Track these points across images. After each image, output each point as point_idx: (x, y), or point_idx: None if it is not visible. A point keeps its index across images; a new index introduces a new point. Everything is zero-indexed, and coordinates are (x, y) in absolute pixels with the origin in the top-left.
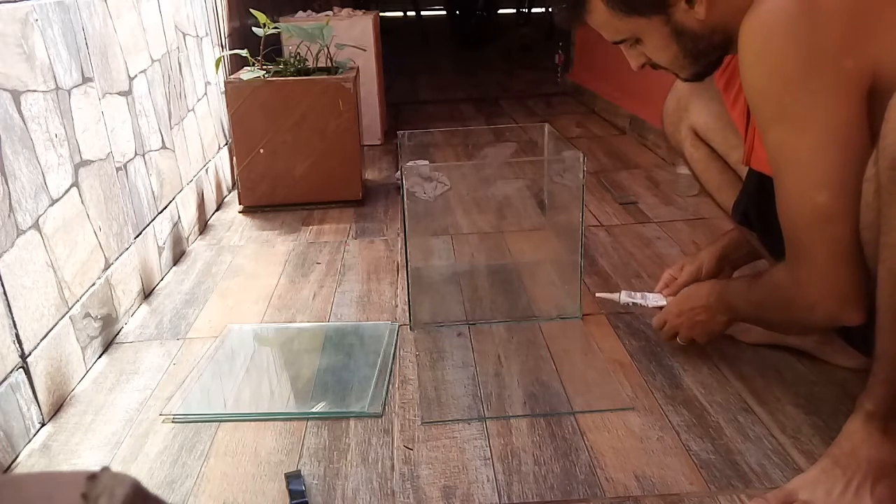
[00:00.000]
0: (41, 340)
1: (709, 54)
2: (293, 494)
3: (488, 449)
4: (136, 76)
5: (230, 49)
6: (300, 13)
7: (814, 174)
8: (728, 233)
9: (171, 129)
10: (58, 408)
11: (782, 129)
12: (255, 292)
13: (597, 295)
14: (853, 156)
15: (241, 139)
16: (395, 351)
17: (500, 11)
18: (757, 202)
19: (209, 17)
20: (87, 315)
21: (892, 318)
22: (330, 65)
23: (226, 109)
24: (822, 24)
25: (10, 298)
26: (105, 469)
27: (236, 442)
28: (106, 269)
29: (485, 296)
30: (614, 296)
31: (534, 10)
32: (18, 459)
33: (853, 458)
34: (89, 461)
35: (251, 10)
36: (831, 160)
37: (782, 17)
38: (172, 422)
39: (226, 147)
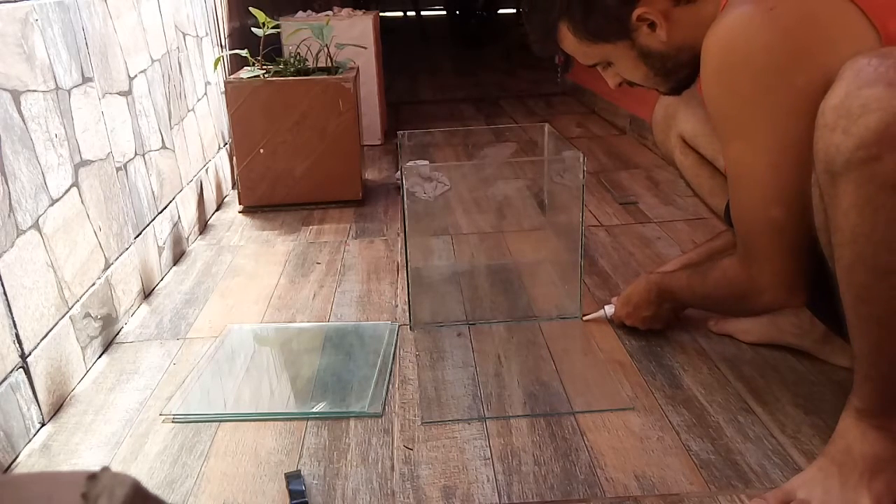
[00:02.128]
0: (41, 340)
1: (678, 72)
2: (293, 494)
3: (488, 449)
4: (136, 76)
5: (230, 49)
6: (300, 13)
7: (769, 190)
8: (705, 242)
9: (171, 129)
10: (58, 408)
11: (739, 146)
12: (255, 292)
13: (584, 318)
14: (807, 170)
15: (241, 139)
16: (395, 351)
17: (500, 11)
18: None
19: (209, 17)
20: (87, 315)
21: (856, 315)
22: (330, 65)
23: (226, 109)
24: (776, 43)
25: (10, 298)
26: (105, 469)
27: (236, 442)
28: (106, 269)
29: (485, 296)
30: (599, 313)
31: None
32: (18, 459)
33: (848, 456)
34: (89, 461)
35: (250, 8)
36: (785, 177)
37: (738, 37)
38: (172, 422)
39: (226, 147)
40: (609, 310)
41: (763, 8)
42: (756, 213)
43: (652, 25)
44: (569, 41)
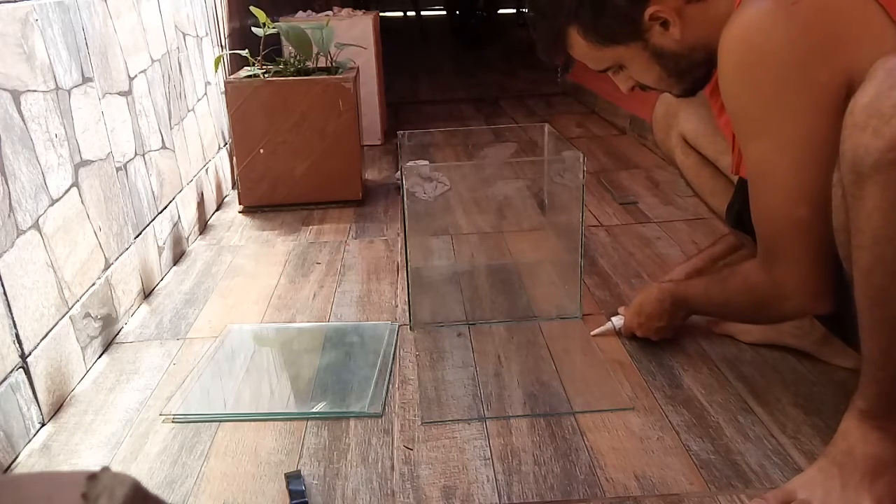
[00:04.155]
0: (41, 340)
1: (693, 71)
2: (293, 494)
3: (488, 449)
4: (136, 76)
5: (230, 49)
6: (300, 13)
7: (793, 189)
8: (706, 249)
9: (171, 129)
10: (58, 408)
11: (761, 145)
12: (255, 292)
13: (592, 333)
14: (831, 167)
15: (241, 139)
16: (395, 351)
17: (500, 11)
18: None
19: (209, 17)
20: (87, 315)
21: (870, 317)
22: (330, 65)
23: (226, 109)
24: (797, 38)
25: (10, 298)
26: (105, 469)
27: (236, 442)
28: (106, 269)
29: (485, 296)
30: (608, 326)
31: None
32: (18, 459)
33: (850, 457)
34: (89, 461)
35: (251, 7)
36: (809, 175)
37: (758, 32)
38: (172, 422)
39: (226, 147)
40: (617, 321)
41: (784, 2)
42: (780, 212)
43: (665, 24)
44: (579, 46)
